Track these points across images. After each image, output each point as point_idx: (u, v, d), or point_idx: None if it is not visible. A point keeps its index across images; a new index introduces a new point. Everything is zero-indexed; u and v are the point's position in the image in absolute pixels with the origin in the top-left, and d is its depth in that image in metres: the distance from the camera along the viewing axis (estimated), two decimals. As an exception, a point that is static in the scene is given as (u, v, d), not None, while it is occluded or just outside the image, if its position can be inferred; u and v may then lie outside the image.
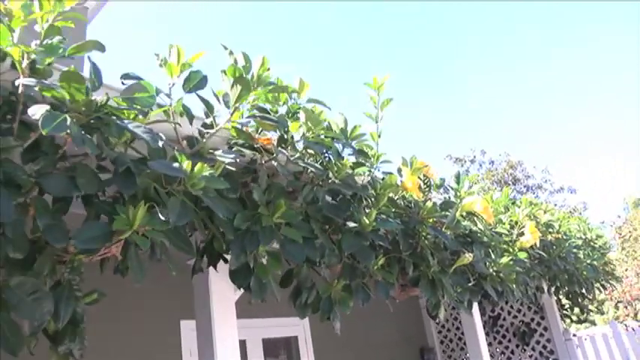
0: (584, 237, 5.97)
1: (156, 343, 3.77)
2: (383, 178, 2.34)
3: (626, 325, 6.95)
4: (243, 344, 4.79)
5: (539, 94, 38.13)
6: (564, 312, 7.14)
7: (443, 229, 2.47)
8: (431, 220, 2.47)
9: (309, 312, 2.06)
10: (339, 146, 2.23)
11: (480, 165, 20.53)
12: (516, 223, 3.76)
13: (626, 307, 11.25)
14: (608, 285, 6.82)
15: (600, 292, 6.86)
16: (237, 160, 1.67)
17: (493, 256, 2.82)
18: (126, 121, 1.34)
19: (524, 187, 19.46)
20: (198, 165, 1.48)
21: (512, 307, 6.45)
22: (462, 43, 37.54)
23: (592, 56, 35.71)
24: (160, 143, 1.39)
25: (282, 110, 2.17)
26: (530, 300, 4.11)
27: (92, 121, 1.33)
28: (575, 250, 4.62)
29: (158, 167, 1.44)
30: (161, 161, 1.51)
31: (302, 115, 1.84)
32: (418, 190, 2.37)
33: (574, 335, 6.15)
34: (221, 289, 2.28)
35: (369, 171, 2.20)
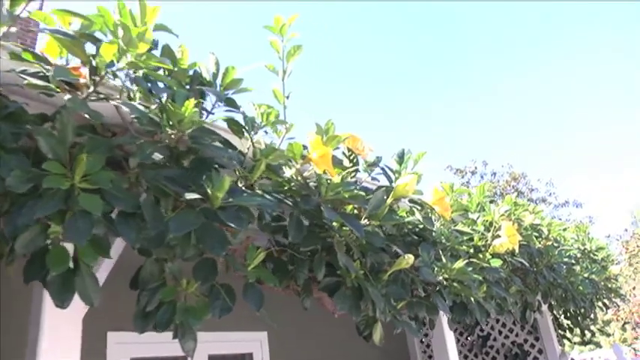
0: (582, 248, 5.28)
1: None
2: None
3: (635, 350, 6.18)
4: (185, 362, 4.17)
5: (544, 107, 37.47)
6: (563, 333, 6.42)
7: (367, 221, 1.82)
8: (349, 207, 1.83)
9: (150, 325, 1.42)
10: (211, 98, 1.62)
11: (482, 177, 19.83)
12: (491, 224, 3.10)
13: (634, 329, 10.36)
14: (612, 304, 6.09)
15: (603, 311, 6.15)
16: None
17: (444, 260, 2.15)
18: None
19: (528, 200, 18.66)
20: None
21: (503, 325, 5.76)
22: (467, 49, 37.07)
23: (597, 67, 35.06)
24: None
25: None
26: (515, 319, 3.45)
27: None
28: (567, 260, 3.93)
29: None
30: None
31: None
32: (331, 166, 1.74)
33: (572, 359, 5.43)
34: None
35: (237, 126, 1.57)
